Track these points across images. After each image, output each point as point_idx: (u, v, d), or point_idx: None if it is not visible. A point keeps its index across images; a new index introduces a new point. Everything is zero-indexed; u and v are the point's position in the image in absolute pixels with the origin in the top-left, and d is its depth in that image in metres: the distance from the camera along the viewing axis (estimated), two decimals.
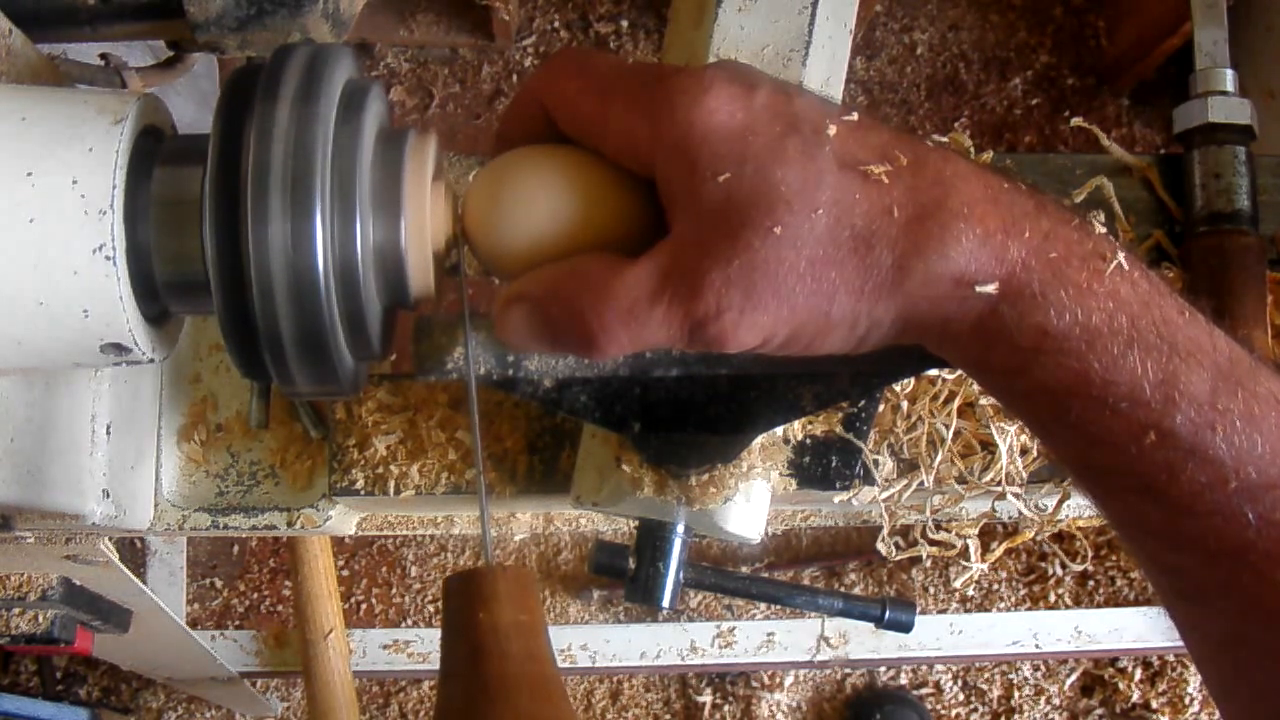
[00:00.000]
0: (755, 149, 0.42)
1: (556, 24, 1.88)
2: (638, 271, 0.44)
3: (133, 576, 0.88)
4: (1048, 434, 0.46)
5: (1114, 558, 1.77)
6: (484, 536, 0.50)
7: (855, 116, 0.44)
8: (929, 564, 1.75)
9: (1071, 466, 0.46)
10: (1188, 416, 0.41)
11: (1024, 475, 0.76)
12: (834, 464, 0.71)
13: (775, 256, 0.42)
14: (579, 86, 0.46)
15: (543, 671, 0.46)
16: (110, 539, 0.79)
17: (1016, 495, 0.76)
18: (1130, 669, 1.75)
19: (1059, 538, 1.26)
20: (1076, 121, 0.86)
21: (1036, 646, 1.54)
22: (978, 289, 0.42)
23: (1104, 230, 0.44)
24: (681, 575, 0.72)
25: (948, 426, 0.75)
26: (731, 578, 0.91)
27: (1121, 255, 0.43)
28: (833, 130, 0.43)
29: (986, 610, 1.73)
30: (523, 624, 0.46)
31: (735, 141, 0.43)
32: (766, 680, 1.74)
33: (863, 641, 1.54)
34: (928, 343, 0.45)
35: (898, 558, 0.81)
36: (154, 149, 0.49)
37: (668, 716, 1.75)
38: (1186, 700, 1.74)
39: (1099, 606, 1.73)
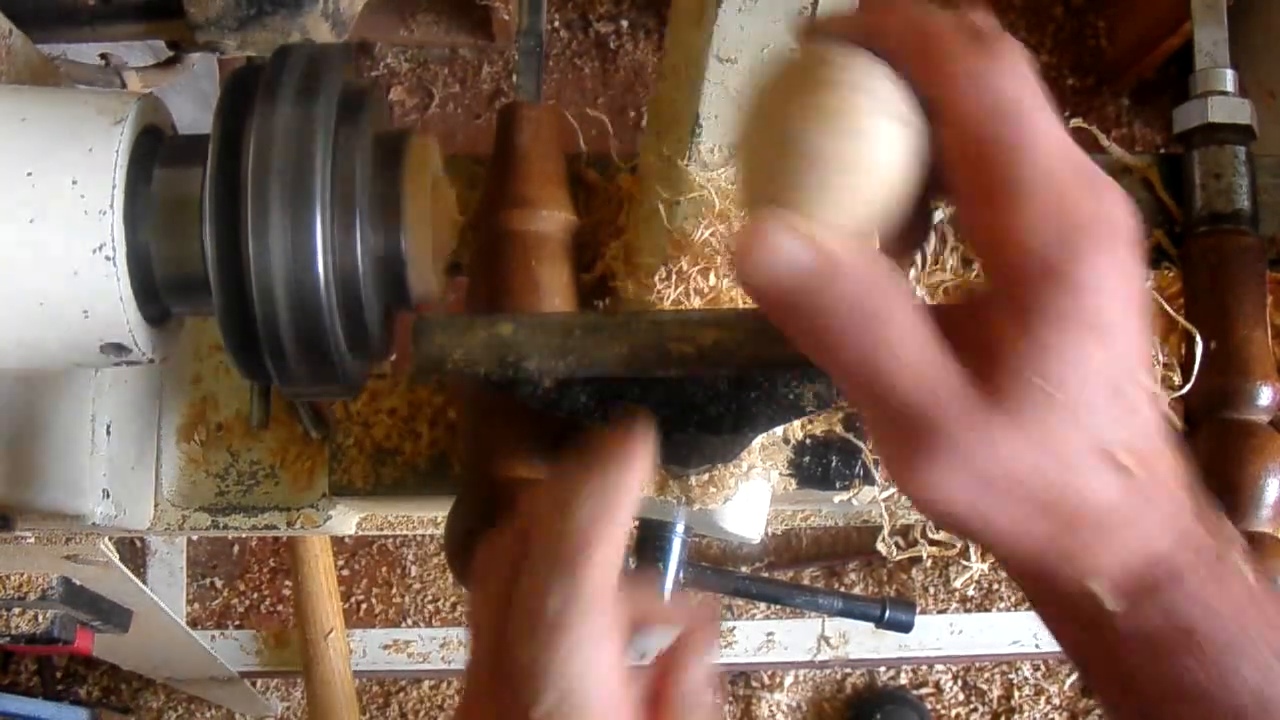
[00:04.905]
0: (1073, 399, 0.37)
1: (557, 23, 1.88)
2: (927, 337, 0.39)
3: (133, 576, 0.88)
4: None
5: None
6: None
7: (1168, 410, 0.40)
8: (929, 564, 1.75)
9: None
10: None
11: None
12: (834, 464, 0.71)
13: (1016, 455, 0.38)
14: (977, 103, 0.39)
15: None
16: (110, 539, 0.79)
17: None
18: None
19: None
20: (1076, 122, 0.86)
21: (1036, 646, 1.54)
22: (1105, 605, 0.40)
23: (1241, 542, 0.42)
24: (681, 575, 0.72)
25: None
26: (731, 578, 0.91)
27: (1237, 555, 0.41)
28: (1140, 396, 0.39)
29: (986, 610, 1.73)
30: None
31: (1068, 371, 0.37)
32: (766, 680, 1.74)
33: (863, 641, 1.53)
34: (1023, 591, 0.44)
35: (898, 558, 0.81)
36: (154, 149, 0.49)
37: None
38: None
39: None
